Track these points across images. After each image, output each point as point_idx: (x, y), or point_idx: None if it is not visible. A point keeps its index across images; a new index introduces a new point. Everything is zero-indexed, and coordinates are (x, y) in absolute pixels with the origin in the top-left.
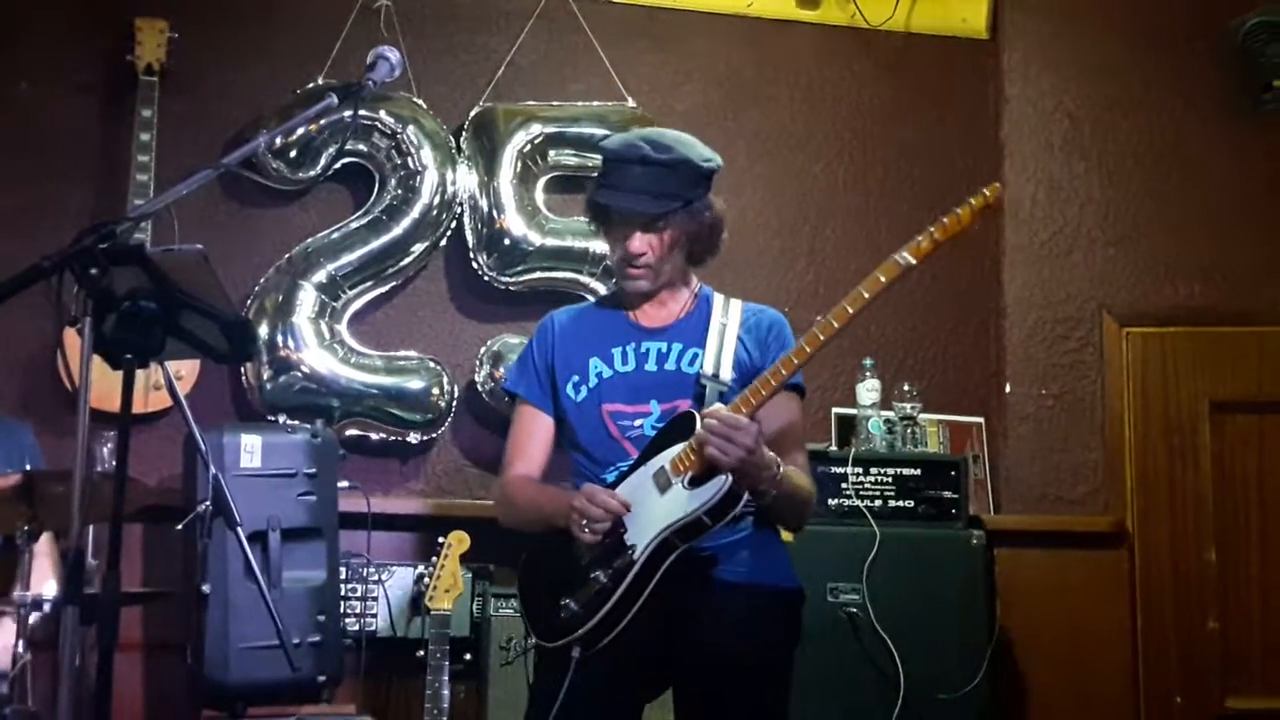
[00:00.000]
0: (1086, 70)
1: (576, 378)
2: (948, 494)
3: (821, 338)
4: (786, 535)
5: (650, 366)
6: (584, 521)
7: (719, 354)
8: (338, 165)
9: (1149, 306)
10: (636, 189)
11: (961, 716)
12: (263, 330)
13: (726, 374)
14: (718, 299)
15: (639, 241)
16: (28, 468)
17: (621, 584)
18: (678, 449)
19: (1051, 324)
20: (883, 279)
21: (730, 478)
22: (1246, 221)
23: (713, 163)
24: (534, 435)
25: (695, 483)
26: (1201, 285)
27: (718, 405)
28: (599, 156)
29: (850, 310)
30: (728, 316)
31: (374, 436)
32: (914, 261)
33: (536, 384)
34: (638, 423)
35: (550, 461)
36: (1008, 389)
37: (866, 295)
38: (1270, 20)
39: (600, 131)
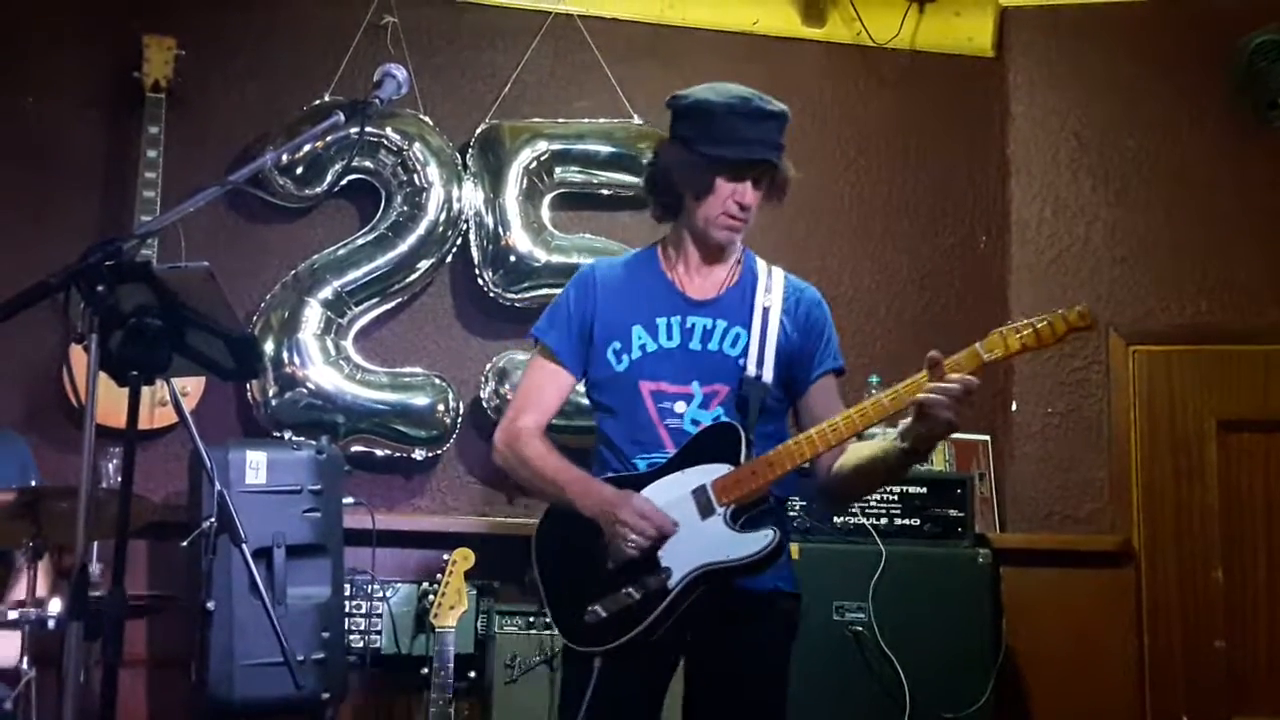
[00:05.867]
0: (1092, 88)
1: (618, 344)
2: (953, 512)
3: (887, 410)
4: (794, 552)
5: (695, 344)
6: (630, 535)
7: (762, 347)
8: (344, 182)
9: (1155, 325)
10: (755, 140)
11: None
12: (268, 347)
13: (768, 373)
14: (761, 268)
15: (752, 193)
16: (33, 483)
17: (654, 610)
18: (722, 470)
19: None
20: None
21: (777, 533)
22: (1253, 239)
23: None
24: (551, 389)
25: (737, 516)
26: (1208, 303)
27: (951, 377)
28: (694, 111)
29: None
30: (771, 295)
31: (379, 453)
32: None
33: (567, 338)
34: (679, 407)
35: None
36: (1014, 407)
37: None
38: (1276, 39)
39: (606, 149)
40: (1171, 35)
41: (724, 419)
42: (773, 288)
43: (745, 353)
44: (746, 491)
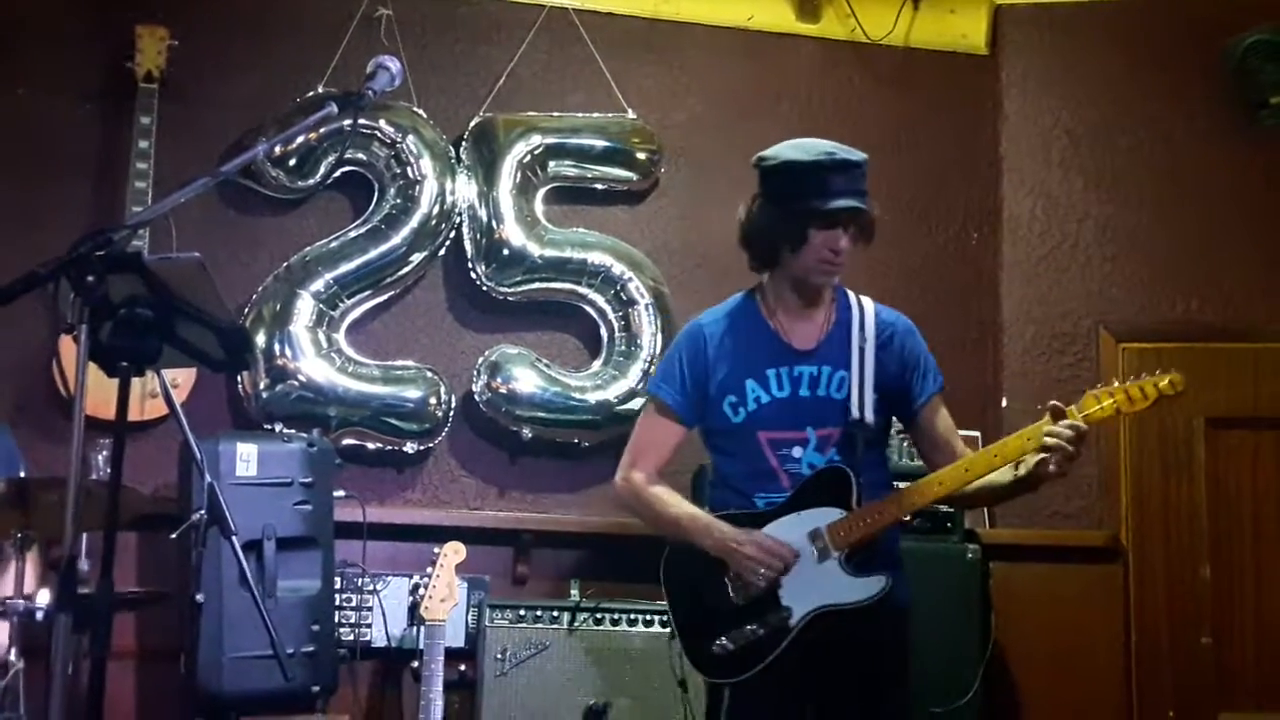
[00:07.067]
0: (1085, 87)
1: (734, 398)
2: (943, 507)
3: (995, 465)
4: None
5: (804, 392)
6: (759, 570)
7: (862, 388)
8: (337, 174)
9: (1146, 322)
10: (844, 190)
11: None
12: (260, 339)
13: (869, 413)
14: (853, 304)
15: (845, 239)
16: (21, 474)
17: (778, 646)
18: (836, 515)
19: (1048, 339)
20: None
21: (889, 579)
22: (1244, 238)
23: None
24: (665, 438)
25: (851, 560)
26: (1199, 301)
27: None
28: (782, 170)
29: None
30: (865, 334)
31: (370, 446)
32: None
33: (681, 393)
34: (795, 452)
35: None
36: (1004, 403)
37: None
38: (1268, 38)
39: (600, 143)
40: (1164, 34)
41: (837, 461)
42: (866, 325)
43: (849, 395)
44: (860, 538)
